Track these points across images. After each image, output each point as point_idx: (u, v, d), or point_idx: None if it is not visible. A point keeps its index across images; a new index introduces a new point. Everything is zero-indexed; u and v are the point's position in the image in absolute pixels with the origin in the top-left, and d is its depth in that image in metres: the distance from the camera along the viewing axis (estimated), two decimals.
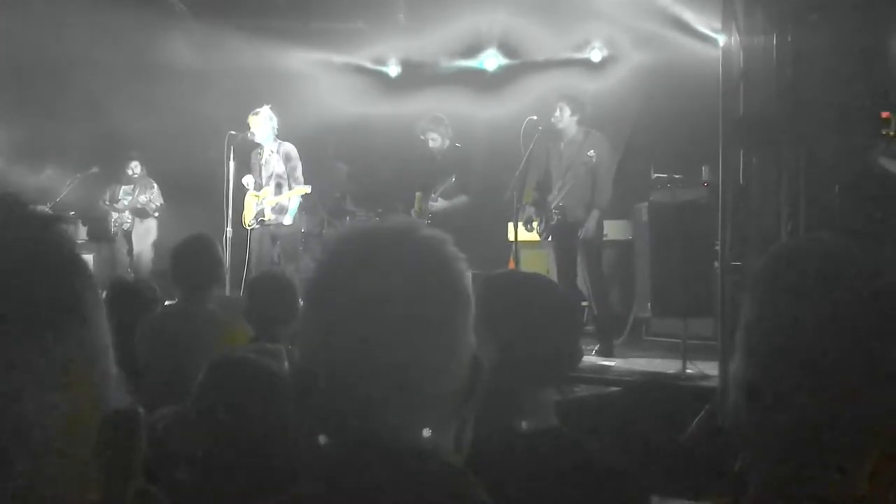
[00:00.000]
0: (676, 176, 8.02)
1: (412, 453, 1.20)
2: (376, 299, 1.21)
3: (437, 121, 8.42)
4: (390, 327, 1.20)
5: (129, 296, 4.77)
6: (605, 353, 7.35)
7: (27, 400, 0.64)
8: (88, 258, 8.27)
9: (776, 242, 1.26)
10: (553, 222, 7.51)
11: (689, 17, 7.98)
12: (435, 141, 8.36)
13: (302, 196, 8.98)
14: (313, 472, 1.24)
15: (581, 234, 7.37)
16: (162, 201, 10.66)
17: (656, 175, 8.21)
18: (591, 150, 7.34)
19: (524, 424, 2.11)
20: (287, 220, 8.90)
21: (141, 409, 0.74)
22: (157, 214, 10.64)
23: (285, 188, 8.89)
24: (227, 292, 8.24)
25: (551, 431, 2.18)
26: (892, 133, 6.48)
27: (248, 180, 8.94)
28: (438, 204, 8.28)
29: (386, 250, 1.25)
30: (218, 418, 2.49)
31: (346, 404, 1.20)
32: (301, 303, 1.34)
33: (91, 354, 0.70)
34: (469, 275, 1.30)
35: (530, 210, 7.79)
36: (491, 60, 10.44)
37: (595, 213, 7.42)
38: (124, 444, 0.72)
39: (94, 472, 0.69)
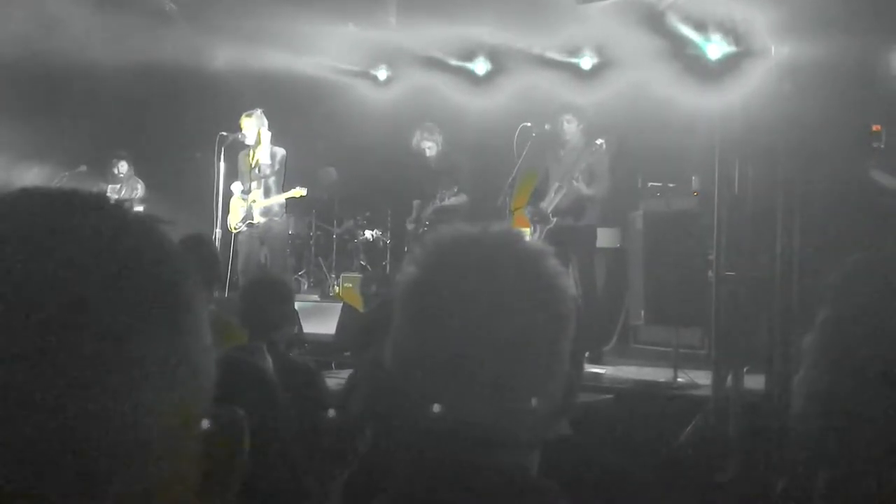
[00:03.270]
0: (671, 185, 8.06)
1: (503, 471, 1.16)
2: (478, 309, 1.16)
3: (431, 129, 8.50)
4: (491, 339, 1.15)
5: None
6: (595, 360, 7.35)
7: (134, 399, 0.63)
8: None
9: (850, 256, 1.21)
10: (551, 226, 7.56)
11: (683, 26, 8.00)
12: (431, 150, 8.45)
13: (296, 198, 8.96)
14: (395, 484, 1.19)
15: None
16: (143, 194, 10.46)
17: (651, 184, 8.23)
18: (600, 139, 7.43)
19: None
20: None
21: (243, 414, 0.72)
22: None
23: (274, 191, 8.86)
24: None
25: (567, 440, 2.17)
26: (882, 146, 6.54)
27: (236, 187, 8.91)
28: (446, 202, 8.34)
29: (491, 258, 1.19)
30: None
31: (435, 414, 1.15)
32: (397, 306, 1.25)
33: (195, 357, 0.68)
34: (570, 290, 1.25)
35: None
36: (481, 65, 10.43)
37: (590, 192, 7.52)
38: (228, 451, 0.70)
39: (195, 481, 0.68)
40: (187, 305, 0.68)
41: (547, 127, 7.62)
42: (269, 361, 3.94)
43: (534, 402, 1.18)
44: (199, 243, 4.63)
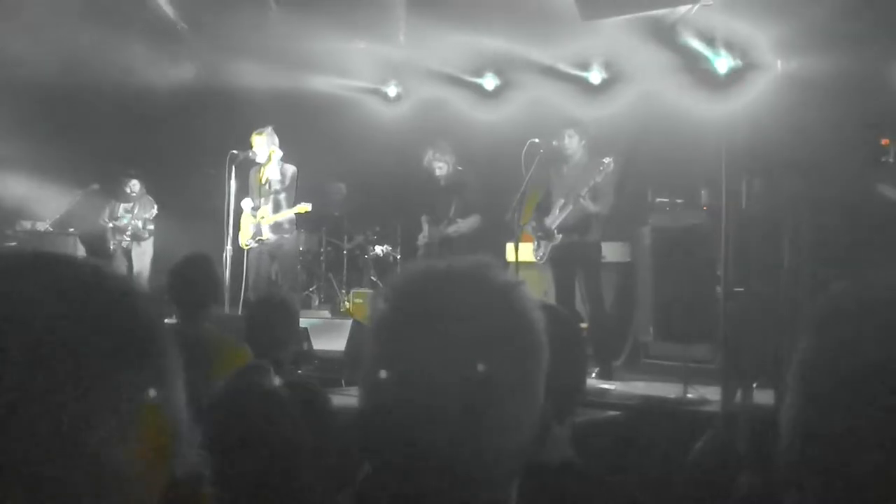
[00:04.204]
0: (679, 200, 8.05)
1: None
2: (451, 344, 1.15)
3: (443, 148, 8.50)
4: (464, 375, 1.14)
5: None
6: (605, 375, 7.32)
7: (98, 432, 0.67)
8: None
9: (838, 282, 1.20)
10: (556, 242, 7.55)
11: (691, 41, 8.01)
12: (441, 169, 8.46)
13: (302, 214, 8.99)
14: None
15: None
16: (152, 224, 10.48)
17: (658, 199, 8.23)
18: (607, 158, 7.38)
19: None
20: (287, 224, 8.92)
21: (205, 474, 0.75)
22: (147, 236, 10.49)
23: (283, 207, 8.90)
24: (227, 310, 8.25)
25: (569, 465, 2.17)
26: (891, 160, 6.52)
27: (246, 203, 8.95)
28: (459, 226, 8.36)
29: (459, 293, 1.19)
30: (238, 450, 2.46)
31: (409, 451, 1.14)
32: (368, 342, 1.25)
33: (165, 413, 0.71)
34: (543, 324, 1.23)
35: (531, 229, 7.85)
36: (490, 80, 10.47)
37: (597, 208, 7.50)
38: (188, 501, 0.73)
39: None
40: (154, 353, 0.72)
41: (555, 143, 7.60)
42: (276, 382, 3.94)
43: (507, 435, 1.17)
44: (197, 263, 4.63)
